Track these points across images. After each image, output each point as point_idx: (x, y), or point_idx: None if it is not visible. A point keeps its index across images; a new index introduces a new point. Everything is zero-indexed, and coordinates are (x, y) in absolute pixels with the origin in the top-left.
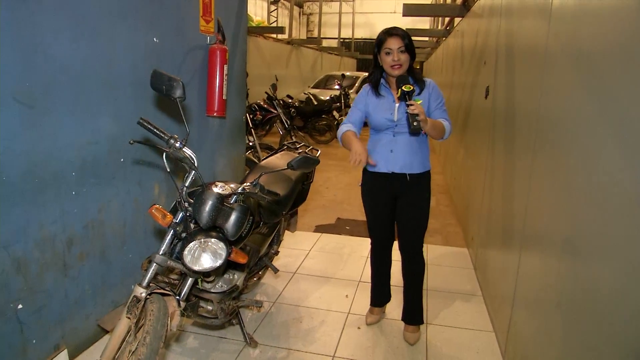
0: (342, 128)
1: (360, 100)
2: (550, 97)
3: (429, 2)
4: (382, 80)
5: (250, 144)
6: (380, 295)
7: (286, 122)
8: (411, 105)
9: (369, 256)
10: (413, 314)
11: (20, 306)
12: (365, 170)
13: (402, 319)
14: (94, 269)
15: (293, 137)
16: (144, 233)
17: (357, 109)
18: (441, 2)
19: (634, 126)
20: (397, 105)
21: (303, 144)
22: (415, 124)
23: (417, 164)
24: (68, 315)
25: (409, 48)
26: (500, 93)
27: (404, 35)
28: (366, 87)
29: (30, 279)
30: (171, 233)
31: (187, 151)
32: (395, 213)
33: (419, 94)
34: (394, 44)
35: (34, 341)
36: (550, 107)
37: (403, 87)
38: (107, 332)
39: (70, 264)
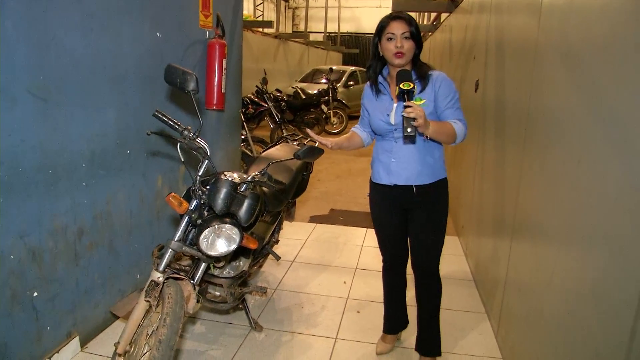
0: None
1: (362, 103)
2: (540, 91)
3: None
4: (380, 77)
5: (243, 137)
6: (393, 321)
7: (277, 115)
8: (408, 107)
9: (382, 274)
10: (427, 344)
11: (35, 294)
12: (370, 181)
13: (416, 349)
14: (102, 259)
15: (284, 131)
16: (148, 223)
17: (363, 116)
18: None
19: (620, 119)
20: (395, 105)
21: (301, 136)
22: (409, 130)
23: (426, 173)
24: (79, 304)
25: (415, 36)
26: (490, 87)
27: (411, 21)
28: (366, 86)
29: (44, 268)
30: (186, 220)
31: (201, 141)
32: (405, 230)
33: (421, 91)
34: (397, 28)
35: (48, 328)
36: (541, 101)
37: (401, 85)
38: (116, 319)
39: (80, 254)
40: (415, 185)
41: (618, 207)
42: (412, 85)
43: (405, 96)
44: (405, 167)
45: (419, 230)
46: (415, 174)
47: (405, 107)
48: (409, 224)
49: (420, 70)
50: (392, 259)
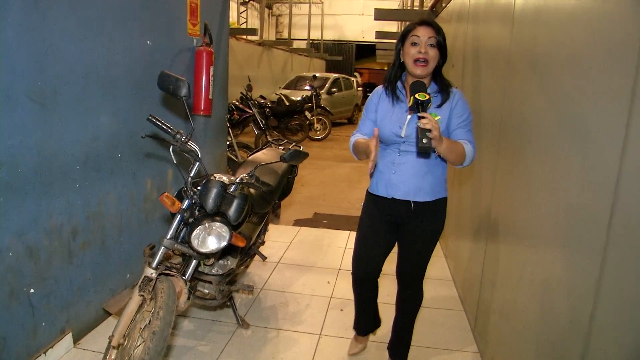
0: (352, 139)
1: (370, 107)
2: (512, 97)
3: (397, 7)
4: (399, 83)
5: (228, 142)
6: (365, 323)
7: (261, 122)
8: (423, 118)
9: (352, 283)
10: (399, 349)
11: (32, 290)
12: (367, 191)
13: (388, 349)
14: (94, 258)
15: (268, 137)
16: (137, 224)
17: (368, 119)
18: (408, 7)
19: (583, 122)
20: (408, 116)
21: (286, 140)
22: (424, 141)
23: (426, 190)
24: (72, 301)
25: (441, 45)
26: (468, 94)
27: (439, 29)
28: (378, 90)
29: (40, 265)
30: (178, 218)
31: (192, 145)
32: (391, 246)
33: (439, 106)
34: (423, 33)
35: (44, 324)
36: (513, 107)
37: (416, 95)
38: (108, 316)
39: (74, 253)
40: (413, 201)
41: (579, 205)
42: (427, 96)
43: (419, 107)
44: (404, 181)
45: (410, 243)
46: (415, 190)
47: (420, 117)
48: (400, 235)
49: (441, 84)
50: (363, 273)
